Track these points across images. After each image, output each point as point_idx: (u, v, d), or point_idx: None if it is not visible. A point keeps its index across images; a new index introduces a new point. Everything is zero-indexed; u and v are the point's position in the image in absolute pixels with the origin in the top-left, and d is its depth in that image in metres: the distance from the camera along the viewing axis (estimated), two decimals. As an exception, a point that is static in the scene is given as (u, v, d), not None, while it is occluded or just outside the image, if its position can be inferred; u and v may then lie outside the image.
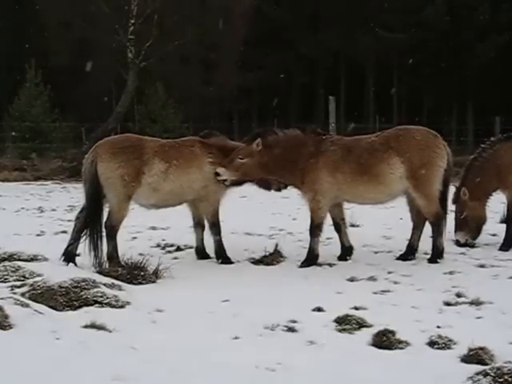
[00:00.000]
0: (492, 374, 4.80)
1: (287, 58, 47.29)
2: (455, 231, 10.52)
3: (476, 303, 6.94)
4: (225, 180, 9.20)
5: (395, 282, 8.05)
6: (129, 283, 7.72)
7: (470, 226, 10.43)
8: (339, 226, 9.56)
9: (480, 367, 5.04)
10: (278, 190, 10.14)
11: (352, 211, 11.20)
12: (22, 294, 6.74)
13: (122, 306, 6.77)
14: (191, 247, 10.02)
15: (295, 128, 9.55)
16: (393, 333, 5.83)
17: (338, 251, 9.55)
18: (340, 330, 6.14)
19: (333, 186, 9.08)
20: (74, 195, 18.18)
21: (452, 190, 10.50)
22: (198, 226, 9.68)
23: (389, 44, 43.83)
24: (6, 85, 42.87)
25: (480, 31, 41.46)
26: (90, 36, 34.92)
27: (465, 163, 10.78)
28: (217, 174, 9.17)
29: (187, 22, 34.10)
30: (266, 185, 9.97)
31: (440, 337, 5.78)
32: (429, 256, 9.30)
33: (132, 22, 32.76)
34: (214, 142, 9.55)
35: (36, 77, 34.07)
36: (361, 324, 6.22)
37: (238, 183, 9.55)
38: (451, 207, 10.65)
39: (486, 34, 41.46)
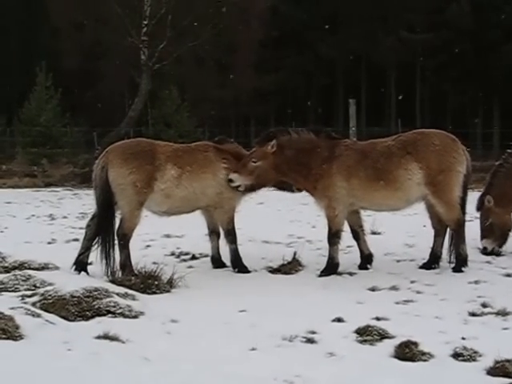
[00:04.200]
0: (519, 388, 4.80)
1: (306, 59, 47.31)
2: (481, 239, 10.33)
3: (502, 314, 6.81)
4: (238, 186, 9.02)
5: (418, 292, 7.92)
6: (142, 293, 7.64)
7: (496, 234, 10.24)
8: (357, 234, 9.39)
9: (506, 380, 4.99)
10: None
11: (373, 218, 11.11)
12: (33, 304, 6.70)
13: (135, 316, 6.70)
14: (206, 256, 9.91)
15: (309, 131, 9.31)
16: (416, 344, 5.73)
17: (358, 260, 9.41)
18: (361, 342, 6.04)
19: (348, 193, 8.90)
20: (85, 202, 18.07)
21: (477, 196, 10.35)
22: (214, 233, 9.53)
23: (411, 45, 43.68)
24: (16, 88, 43.05)
25: (506, 31, 41.06)
26: (102, 38, 35.12)
27: (490, 169, 10.67)
28: (230, 181, 9.00)
29: (202, 23, 34.06)
30: (291, 187, 9.72)
31: (465, 348, 5.68)
32: (453, 265, 9.11)
33: (145, 22, 32.81)
34: (229, 147, 9.38)
35: (47, 80, 34.08)
36: (382, 335, 6.12)
37: (252, 189, 9.34)
38: (474, 214, 10.48)
39: (512, 34, 41.11)
